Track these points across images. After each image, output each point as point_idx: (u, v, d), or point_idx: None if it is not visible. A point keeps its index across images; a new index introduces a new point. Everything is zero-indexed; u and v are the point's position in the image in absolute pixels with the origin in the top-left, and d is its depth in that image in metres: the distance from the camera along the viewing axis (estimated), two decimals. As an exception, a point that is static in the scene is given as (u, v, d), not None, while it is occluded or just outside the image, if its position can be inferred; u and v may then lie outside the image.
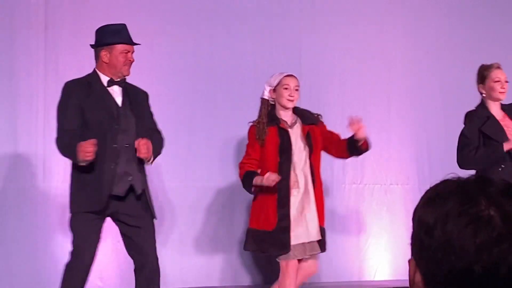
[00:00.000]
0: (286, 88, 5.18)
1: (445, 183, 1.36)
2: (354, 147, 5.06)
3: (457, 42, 6.85)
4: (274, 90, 5.21)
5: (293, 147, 5.14)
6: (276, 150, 5.12)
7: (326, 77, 5.97)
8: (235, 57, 6.48)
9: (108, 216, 4.90)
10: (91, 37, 6.26)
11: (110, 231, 6.09)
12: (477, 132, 5.21)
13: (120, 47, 4.91)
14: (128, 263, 6.05)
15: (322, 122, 5.27)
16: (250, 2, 6.52)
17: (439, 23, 6.83)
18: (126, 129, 4.85)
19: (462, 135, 5.29)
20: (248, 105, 6.18)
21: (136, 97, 4.98)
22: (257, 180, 5.00)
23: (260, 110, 5.24)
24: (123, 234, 4.98)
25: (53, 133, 6.17)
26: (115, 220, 4.96)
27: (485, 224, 1.29)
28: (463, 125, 5.33)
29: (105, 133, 4.78)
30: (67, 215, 6.14)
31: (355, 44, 6.64)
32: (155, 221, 4.98)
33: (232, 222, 6.45)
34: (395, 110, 6.68)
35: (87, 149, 4.63)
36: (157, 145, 4.95)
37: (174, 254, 6.20)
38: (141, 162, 4.87)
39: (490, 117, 5.25)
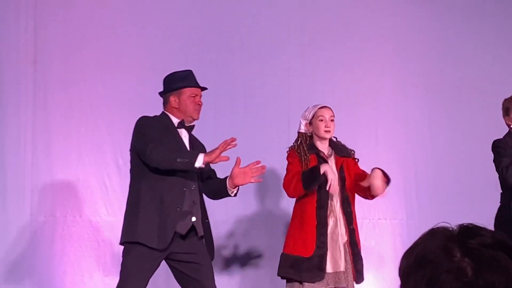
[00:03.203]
0: (321, 120, 5.27)
1: (429, 241, 1.38)
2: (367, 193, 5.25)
3: (445, 79, 6.89)
4: (310, 123, 5.31)
5: None
6: None
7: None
8: (224, 86, 6.51)
9: (167, 255, 4.85)
10: (79, 72, 6.29)
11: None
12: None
13: (188, 90, 5.00)
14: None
15: (355, 159, 5.37)
16: (240, 32, 6.56)
17: (428, 59, 6.88)
18: (193, 171, 4.89)
19: (496, 156, 5.30)
20: (237, 134, 6.21)
21: (197, 146, 5.05)
22: (325, 170, 5.07)
23: (299, 142, 5.31)
24: (181, 272, 4.92)
25: (41, 167, 6.18)
26: (172, 260, 4.91)
27: (454, 275, 1.32)
28: (492, 153, 5.33)
29: (175, 172, 4.81)
30: (54, 248, 6.15)
31: (343, 77, 6.68)
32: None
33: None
34: (383, 145, 6.71)
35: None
36: None
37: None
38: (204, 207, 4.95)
39: None
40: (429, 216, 6.58)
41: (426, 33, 6.92)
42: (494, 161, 5.34)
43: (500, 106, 5.48)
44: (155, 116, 5.05)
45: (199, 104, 5.02)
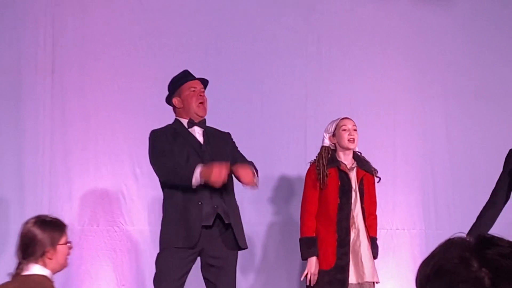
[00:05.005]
0: (344, 130, 5.29)
1: (446, 251, 1.37)
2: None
3: (463, 89, 6.87)
4: (334, 135, 5.33)
5: (353, 189, 5.26)
6: (337, 191, 5.23)
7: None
8: (241, 95, 6.51)
9: (199, 253, 4.91)
10: (97, 81, 6.31)
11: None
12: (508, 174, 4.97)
13: (185, 86, 5.01)
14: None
15: (375, 177, 5.40)
16: (257, 42, 6.57)
17: (446, 69, 6.87)
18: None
19: (502, 171, 5.06)
20: (253, 147, 6.20)
21: (217, 139, 5.02)
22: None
23: (320, 156, 5.31)
24: (205, 278, 5.01)
25: (59, 176, 6.20)
26: (201, 260, 4.99)
27: (472, 285, 1.31)
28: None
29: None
30: (71, 257, 6.14)
31: (360, 87, 6.68)
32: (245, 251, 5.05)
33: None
34: (400, 155, 6.69)
35: (223, 172, 4.68)
36: (254, 167, 4.99)
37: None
38: (227, 195, 4.91)
39: None
40: (447, 226, 6.55)
41: (444, 42, 6.90)
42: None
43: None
44: (165, 126, 5.07)
45: (200, 95, 5.01)
